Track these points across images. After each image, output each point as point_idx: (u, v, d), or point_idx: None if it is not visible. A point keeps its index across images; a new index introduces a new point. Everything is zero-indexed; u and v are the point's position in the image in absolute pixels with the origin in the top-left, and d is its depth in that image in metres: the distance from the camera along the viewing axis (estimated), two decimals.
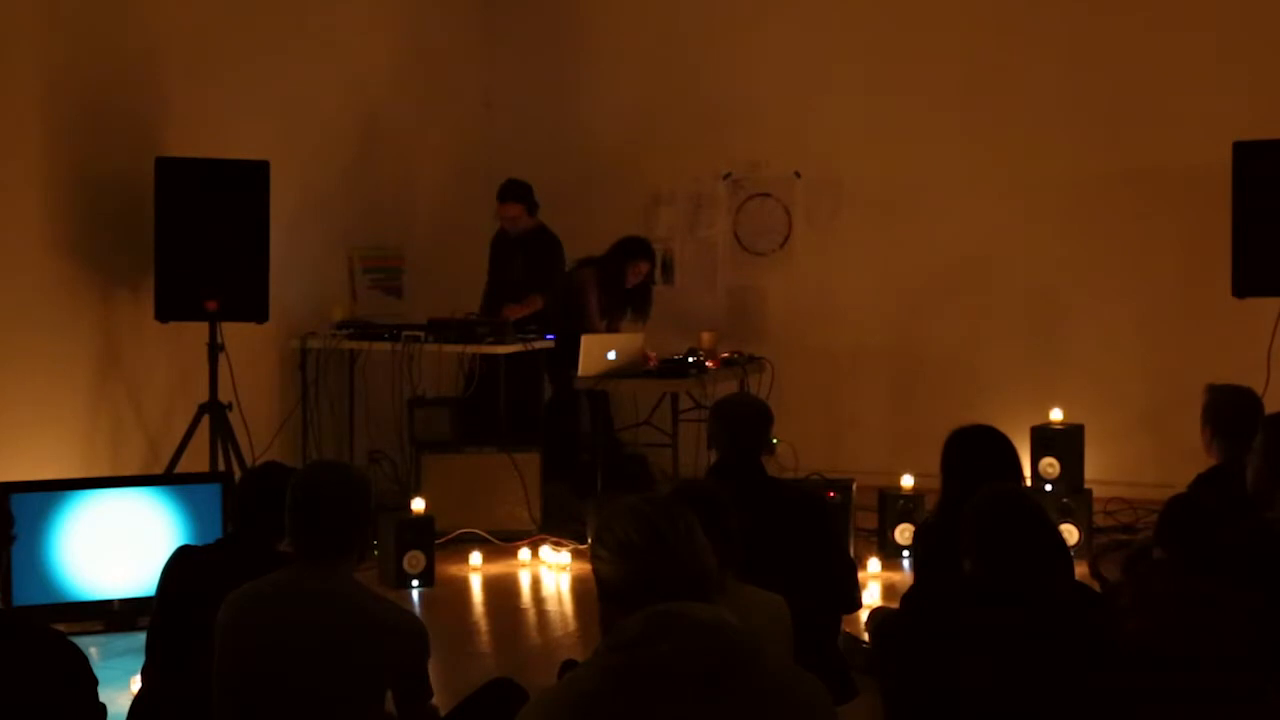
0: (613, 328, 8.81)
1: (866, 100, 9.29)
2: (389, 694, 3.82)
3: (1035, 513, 3.84)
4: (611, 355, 7.84)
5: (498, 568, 7.36)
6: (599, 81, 9.89)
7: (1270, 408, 5.45)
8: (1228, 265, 7.32)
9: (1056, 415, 7.62)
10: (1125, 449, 8.30)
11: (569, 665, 4.14)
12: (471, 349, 8.13)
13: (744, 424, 5.06)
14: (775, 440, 5.40)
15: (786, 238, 9.62)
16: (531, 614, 6.76)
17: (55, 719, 2.92)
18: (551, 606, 6.90)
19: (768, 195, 9.65)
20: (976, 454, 4.77)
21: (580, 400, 8.35)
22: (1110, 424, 8.16)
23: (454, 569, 7.25)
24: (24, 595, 5.93)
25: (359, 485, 3.83)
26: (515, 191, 8.68)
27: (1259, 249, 7.20)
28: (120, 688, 4.94)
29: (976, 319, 9.07)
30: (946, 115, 9.10)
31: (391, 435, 8.45)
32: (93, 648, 5.73)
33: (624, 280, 8.80)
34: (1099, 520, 7.63)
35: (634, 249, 8.86)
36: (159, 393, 7.61)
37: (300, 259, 8.24)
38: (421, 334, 8.06)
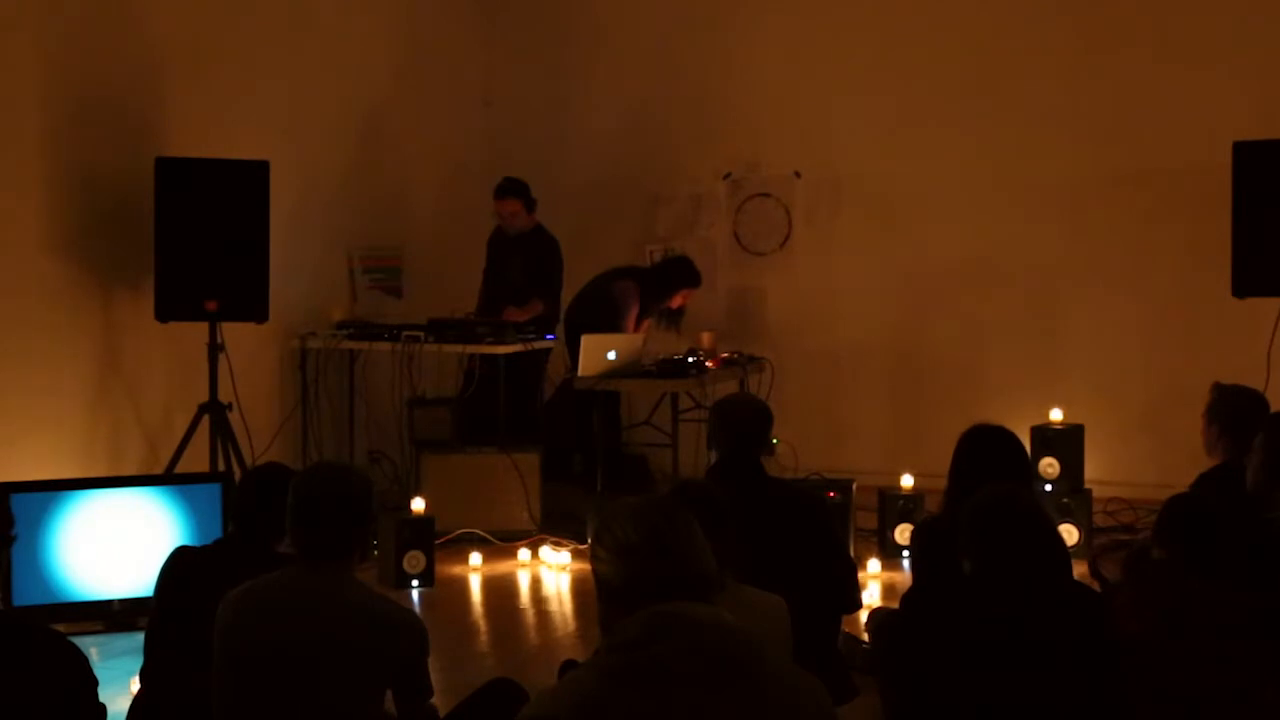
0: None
1: (867, 100, 9.28)
2: (389, 692, 3.83)
3: (1034, 513, 3.84)
4: (611, 355, 7.84)
5: (498, 568, 7.36)
6: (599, 81, 9.88)
7: (1271, 408, 5.45)
8: (1228, 265, 7.31)
9: (1056, 415, 7.61)
10: (1125, 449, 8.30)
11: (569, 665, 4.14)
12: (471, 349, 8.13)
13: (744, 424, 5.06)
14: (775, 440, 5.40)
15: (786, 238, 9.62)
16: (531, 614, 6.76)
17: (55, 719, 2.92)
18: (551, 606, 6.90)
19: (768, 195, 9.64)
20: (984, 454, 4.75)
21: (589, 400, 8.31)
22: (1110, 424, 8.15)
23: (454, 569, 7.25)
24: (24, 595, 5.93)
25: (360, 486, 3.83)
26: (513, 188, 8.66)
27: (1259, 249, 7.19)
28: (120, 688, 4.93)
29: (976, 319, 9.06)
30: (947, 115, 9.08)
31: (391, 435, 8.45)
32: (93, 648, 5.73)
33: (668, 301, 8.76)
34: (1099, 520, 7.63)
35: (689, 277, 8.78)
36: (159, 393, 7.61)
37: (300, 259, 8.24)
38: (421, 334, 8.06)
